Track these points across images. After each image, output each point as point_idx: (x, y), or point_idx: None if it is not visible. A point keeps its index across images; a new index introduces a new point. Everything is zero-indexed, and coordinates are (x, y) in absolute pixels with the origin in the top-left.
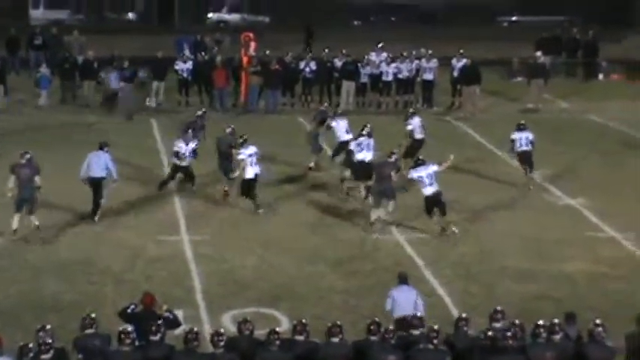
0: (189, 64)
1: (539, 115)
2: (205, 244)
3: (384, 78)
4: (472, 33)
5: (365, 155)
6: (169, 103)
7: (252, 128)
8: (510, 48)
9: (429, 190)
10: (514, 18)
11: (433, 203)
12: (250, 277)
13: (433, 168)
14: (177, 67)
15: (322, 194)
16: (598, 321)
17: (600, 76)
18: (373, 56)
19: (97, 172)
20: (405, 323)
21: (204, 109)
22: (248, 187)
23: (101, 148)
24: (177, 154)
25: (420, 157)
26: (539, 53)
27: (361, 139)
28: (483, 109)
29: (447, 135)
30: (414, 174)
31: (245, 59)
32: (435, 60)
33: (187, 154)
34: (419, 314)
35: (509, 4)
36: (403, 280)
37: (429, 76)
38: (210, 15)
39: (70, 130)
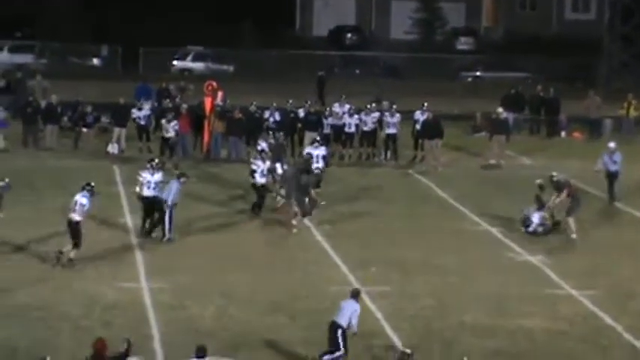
0: (146, 111)
1: (501, 171)
2: (165, 292)
3: (346, 130)
4: (435, 87)
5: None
6: (131, 149)
7: (214, 176)
8: (473, 103)
9: None
10: (478, 73)
11: None
12: (209, 327)
13: None
14: (134, 115)
15: (286, 245)
16: None
17: (563, 134)
18: (337, 107)
19: (163, 195)
20: None
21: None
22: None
23: (178, 178)
24: (252, 173)
25: None
26: (501, 109)
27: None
28: (445, 163)
29: (409, 189)
30: None
31: (208, 107)
32: (398, 115)
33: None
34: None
35: (473, 59)
36: (354, 295)
37: (392, 130)
38: (174, 63)
39: (31, 175)
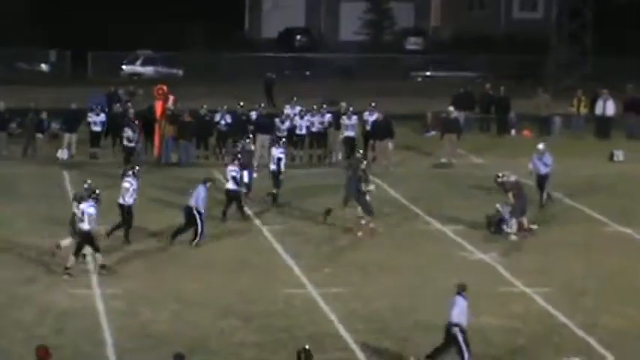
0: (102, 117)
1: (453, 170)
2: (118, 298)
3: (297, 131)
4: (386, 87)
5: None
6: (81, 155)
7: (167, 181)
8: (424, 103)
9: None
10: (428, 73)
11: None
12: (163, 332)
13: None
14: (89, 120)
15: (238, 249)
16: None
17: (512, 132)
18: (288, 109)
19: (190, 201)
20: None
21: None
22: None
23: (204, 183)
24: (234, 179)
25: None
26: (452, 108)
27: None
28: (397, 163)
29: None
30: None
31: (159, 111)
32: (355, 117)
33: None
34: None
35: (422, 59)
36: (459, 290)
37: (350, 133)
38: (123, 67)
39: None
